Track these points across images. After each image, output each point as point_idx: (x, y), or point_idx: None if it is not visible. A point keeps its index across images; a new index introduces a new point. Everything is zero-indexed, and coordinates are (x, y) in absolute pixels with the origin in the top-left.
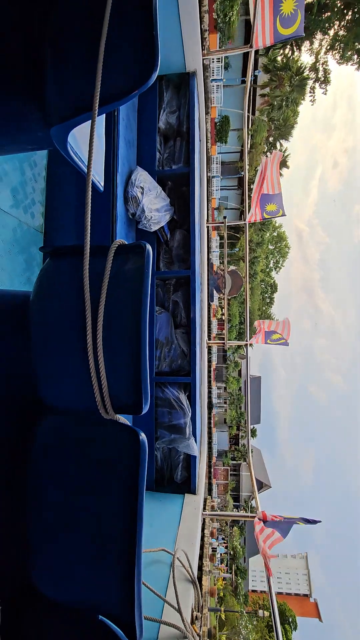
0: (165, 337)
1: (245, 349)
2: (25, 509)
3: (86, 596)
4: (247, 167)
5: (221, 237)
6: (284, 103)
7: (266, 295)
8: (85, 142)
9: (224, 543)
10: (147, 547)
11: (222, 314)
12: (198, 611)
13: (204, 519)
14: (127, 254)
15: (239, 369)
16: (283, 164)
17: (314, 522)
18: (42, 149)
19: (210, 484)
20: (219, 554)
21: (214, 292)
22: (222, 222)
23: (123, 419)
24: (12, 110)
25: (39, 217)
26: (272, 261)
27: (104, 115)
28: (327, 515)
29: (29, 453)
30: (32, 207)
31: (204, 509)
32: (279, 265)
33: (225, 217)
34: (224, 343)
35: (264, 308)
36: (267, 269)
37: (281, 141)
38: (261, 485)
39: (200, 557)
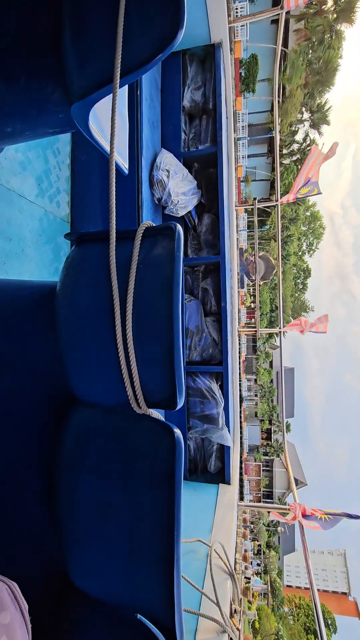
0: (195, 325)
1: (278, 338)
2: (59, 504)
3: (123, 594)
4: (277, 122)
5: (249, 214)
6: (326, 36)
7: (299, 280)
8: (108, 121)
9: (258, 567)
10: (183, 537)
11: (252, 302)
12: (237, 604)
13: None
14: (156, 237)
15: (270, 359)
16: (323, 120)
17: (357, 517)
18: (64, 132)
19: (241, 480)
20: (252, 585)
21: (244, 278)
22: (252, 205)
23: (156, 413)
24: (33, 92)
25: (64, 207)
26: (305, 243)
27: (127, 93)
28: None
29: (61, 447)
30: (57, 196)
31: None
32: (313, 247)
33: (255, 199)
34: (255, 331)
35: (296, 294)
36: (300, 252)
37: (320, 91)
38: (296, 483)
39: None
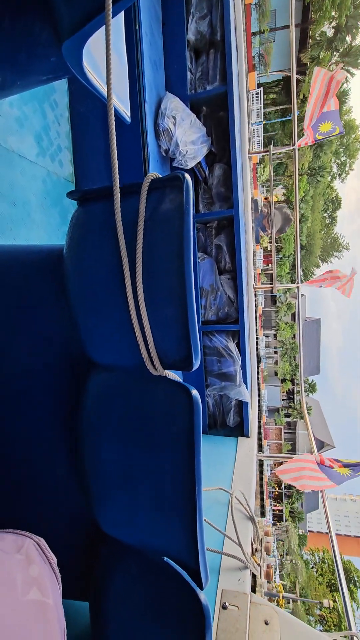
0: (210, 284)
1: (296, 292)
2: (84, 464)
3: (151, 541)
4: None
5: (267, 92)
6: None
7: (326, 214)
8: (104, 61)
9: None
10: (205, 486)
11: (270, 242)
12: (257, 544)
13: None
14: (164, 189)
15: (293, 312)
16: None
17: None
18: (58, 78)
19: (260, 446)
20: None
21: (259, 232)
22: (267, 151)
23: (173, 374)
24: (19, 34)
25: (67, 165)
26: (335, 165)
27: (123, 26)
28: None
29: (82, 410)
30: (59, 155)
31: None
32: (346, 169)
33: (271, 142)
34: (272, 287)
35: (325, 229)
36: (329, 177)
37: None
38: (322, 445)
39: None
